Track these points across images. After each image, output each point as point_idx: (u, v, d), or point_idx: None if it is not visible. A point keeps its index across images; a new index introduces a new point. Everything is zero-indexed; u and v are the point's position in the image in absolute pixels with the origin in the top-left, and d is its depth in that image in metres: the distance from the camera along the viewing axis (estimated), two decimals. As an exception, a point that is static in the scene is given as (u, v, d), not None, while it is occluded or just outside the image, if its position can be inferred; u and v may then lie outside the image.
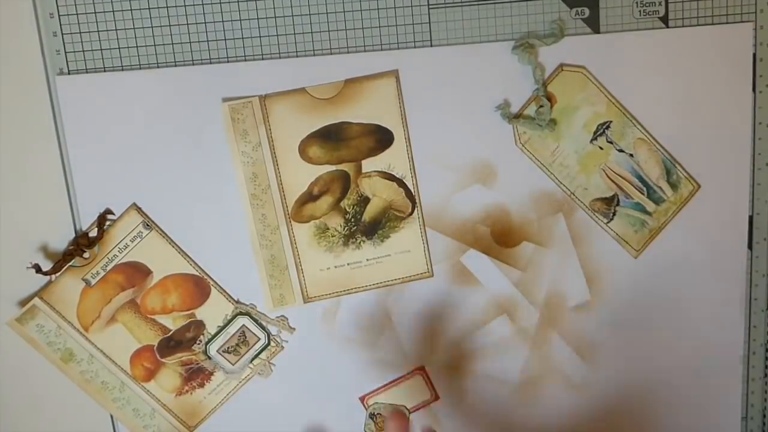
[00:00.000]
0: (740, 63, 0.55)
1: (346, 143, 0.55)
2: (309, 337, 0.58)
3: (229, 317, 0.57)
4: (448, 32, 0.54)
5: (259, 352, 0.58)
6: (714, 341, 0.59)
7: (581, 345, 0.59)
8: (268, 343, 0.58)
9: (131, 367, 0.57)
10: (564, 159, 0.56)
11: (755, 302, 0.59)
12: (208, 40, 0.53)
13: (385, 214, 0.56)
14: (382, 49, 0.54)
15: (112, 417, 0.58)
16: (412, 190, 0.56)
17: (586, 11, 0.54)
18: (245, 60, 0.54)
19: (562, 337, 0.59)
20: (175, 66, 0.54)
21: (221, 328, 0.57)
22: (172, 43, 0.53)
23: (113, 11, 0.53)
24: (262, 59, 0.54)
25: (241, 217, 0.55)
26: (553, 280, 0.58)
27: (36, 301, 0.55)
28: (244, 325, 0.57)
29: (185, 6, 0.53)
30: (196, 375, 0.58)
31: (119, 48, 0.53)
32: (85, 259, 0.55)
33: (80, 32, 0.53)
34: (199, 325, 0.57)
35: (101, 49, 0.53)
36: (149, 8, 0.53)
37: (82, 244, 0.54)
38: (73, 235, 0.55)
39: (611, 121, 0.56)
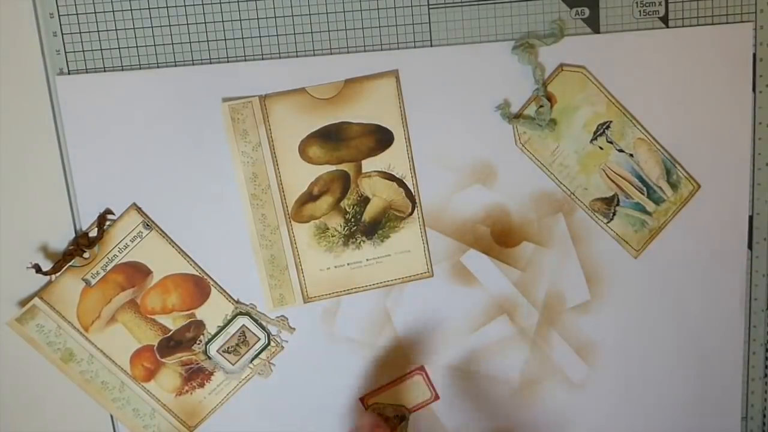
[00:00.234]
0: (740, 63, 0.55)
1: (346, 143, 0.55)
2: (309, 337, 0.58)
3: (229, 317, 0.57)
4: (448, 32, 0.54)
5: (259, 352, 0.58)
6: (714, 341, 0.59)
7: (581, 345, 0.59)
8: (268, 343, 0.58)
9: (131, 367, 0.57)
10: (564, 159, 0.56)
11: (755, 302, 0.59)
12: (208, 40, 0.53)
13: (385, 214, 0.56)
14: (382, 49, 0.54)
15: (112, 417, 0.58)
16: (412, 190, 0.56)
17: (586, 11, 0.54)
18: (245, 60, 0.54)
19: (562, 337, 0.59)
20: (175, 66, 0.54)
21: (221, 328, 0.57)
22: (172, 43, 0.53)
23: (113, 11, 0.53)
24: (262, 59, 0.54)
25: (241, 217, 0.55)
26: (552, 280, 0.58)
27: (36, 301, 0.55)
28: (244, 325, 0.57)
29: (185, 6, 0.53)
30: (196, 375, 0.58)
31: (119, 48, 0.53)
32: (85, 259, 0.55)
33: (80, 32, 0.53)
34: (199, 325, 0.57)
35: (101, 49, 0.53)
36: (149, 8, 0.53)
37: (82, 244, 0.54)
38: (73, 235, 0.55)
39: (611, 121, 0.56)
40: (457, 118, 0.55)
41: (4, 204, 0.55)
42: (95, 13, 0.53)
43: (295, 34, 0.54)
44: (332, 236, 0.56)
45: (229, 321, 0.57)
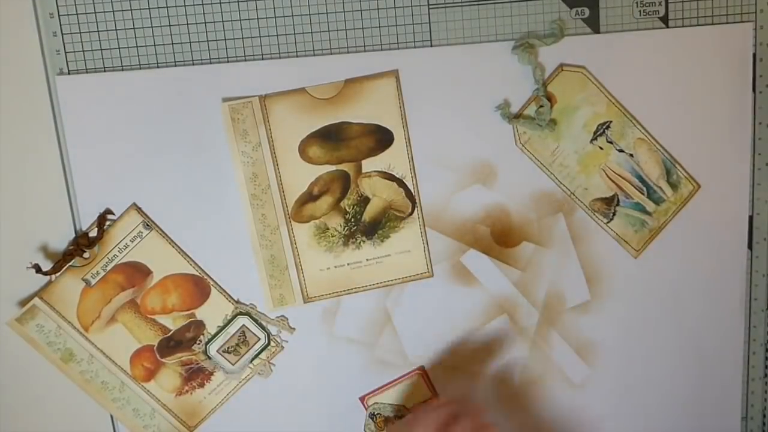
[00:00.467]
0: (740, 63, 0.55)
1: (346, 143, 0.55)
2: (309, 337, 0.58)
3: (229, 317, 0.57)
4: (448, 32, 0.54)
5: (259, 352, 0.58)
6: (714, 341, 0.59)
7: (581, 345, 0.59)
8: (268, 343, 0.58)
9: (131, 367, 0.57)
10: (564, 159, 0.56)
11: (755, 302, 0.59)
12: (208, 40, 0.53)
13: (385, 214, 0.56)
14: (382, 49, 0.54)
15: (112, 417, 0.58)
16: (412, 190, 0.56)
17: (586, 11, 0.54)
18: (245, 60, 0.54)
19: (562, 337, 0.59)
20: (175, 66, 0.54)
21: (221, 328, 0.57)
22: (172, 43, 0.53)
23: (113, 11, 0.53)
24: (262, 59, 0.54)
25: (241, 217, 0.55)
26: (552, 280, 0.58)
27: (36, 301, 0.55)
28: (244, 325, 0.57)
29: (185, 6, 0.53)
30: (196, 375, 0.58)
31: (119, 48, 0.53)
32: (85, 259, 0.55)
33: (80, 32, 0.53)
34: (199, 325, 0.57)
35: (101, 49, 0.53)
36: (149, 8, 0.53)
37: (82, 244, 0.54)
38: (73, 235, 0.55)
39: (611, 121, 0.56)
40: (457, 118, 0.55)
41: (4, 204, 0.55)
42: (95, 13, 0.53)
43: (295, 34, 0.54)
44: (332, 236, 0.56)
45: (229, 321, 0.57)
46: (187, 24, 0.53)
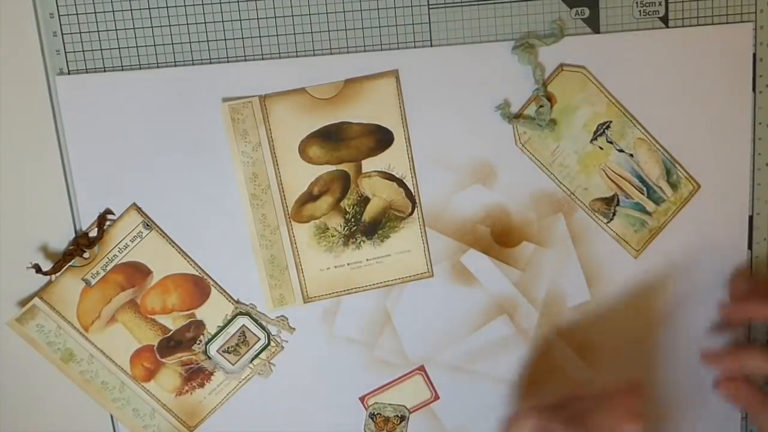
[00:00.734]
0: (740, 63, 0.55)
1: (346, 143, 0.55)
2: (309, 337, 0.58)
3: (229, 317, 0.57)
4: (448, 32, 0.54)
5: (259, 352, 0.58)
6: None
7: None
8: (268, 343, 0.58)
9: (131, 367, 0.57)
10: (564, 159, 0.56)
11: (755, 302, 0.59)
12: (208, 40, 0.53)
13: (385, 214, 0.56)
14: (382, 49, 0.54)
15: (112, 417, 0.58)
16: (412, 190, 0.56)
17: (586, 11, 0.54)
18: (245, 60, 0.54)
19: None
20: (175, 66, 0.54)
21: (221, 328, 0.57)
22: (172, 43, 0.53)
23: (113, 11, 0.53)
24: (262, 59, 0.54)
25: (241, 217, 0.55)
26: (552, 280, 0.58)
27: (36, 301, 0.55)
28: (244, 325, 0.57)
29: (185, 6, 0.53)
30: (196, 375, 0.58)
31: (119, 48, 0.53)
32: (85, 259, 0.55)
33: (80, 32, 0.53)
34: (199, 325, 0.57)
35: (101, 49, 0.53)
36: (149, 8, 0.53)
37: (82, 244, 0.54)
38: (73, 235, 0.55)
39: (611, 121, 0.56)
40: (457, 118, 0.55)
41: (4, 204, 0.55)
42: (95, 13, 0.53)
43: (295, 34, 0.54)
44: (332, 236, 0.56)
45: (229, 321, 0.57)
46: (187, 24, 0.53)
